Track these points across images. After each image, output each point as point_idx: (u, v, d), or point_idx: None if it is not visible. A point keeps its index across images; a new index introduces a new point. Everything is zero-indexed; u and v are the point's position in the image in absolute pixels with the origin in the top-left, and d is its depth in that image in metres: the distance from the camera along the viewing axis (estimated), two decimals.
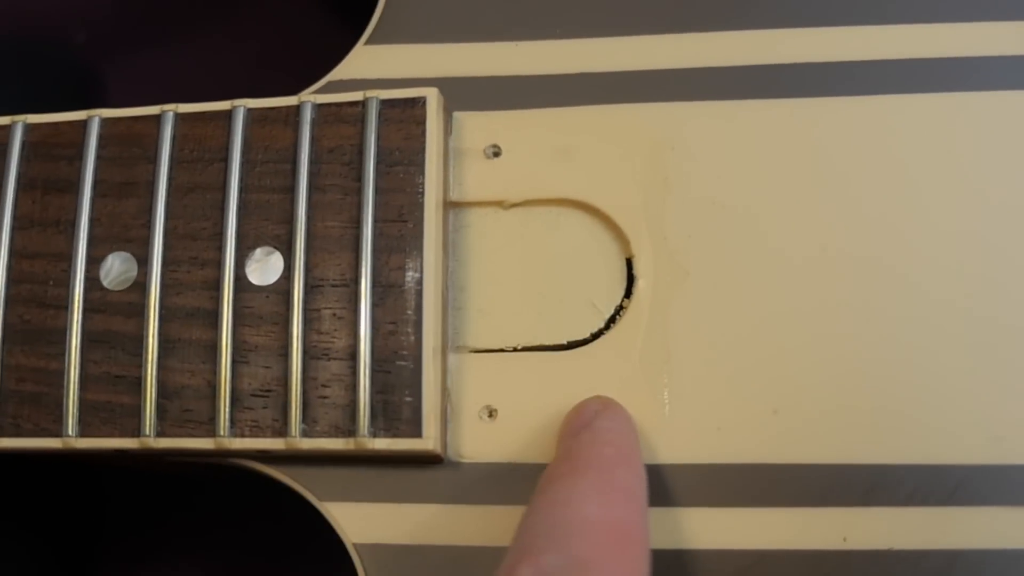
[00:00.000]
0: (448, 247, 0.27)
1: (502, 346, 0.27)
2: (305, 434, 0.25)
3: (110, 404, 0.26)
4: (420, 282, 0.26)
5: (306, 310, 0.26)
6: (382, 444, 0.25)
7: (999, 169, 0.26)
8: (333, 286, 0.26)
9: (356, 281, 0.26)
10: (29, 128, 0.28)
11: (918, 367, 0.26)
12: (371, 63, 0.29)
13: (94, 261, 0.26)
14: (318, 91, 0.28)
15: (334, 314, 0.26)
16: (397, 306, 0.26)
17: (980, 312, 0.26)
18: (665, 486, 0.26)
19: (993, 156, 0.26)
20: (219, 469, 0.28)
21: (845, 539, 0.25)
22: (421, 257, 0.26)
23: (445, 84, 0.28)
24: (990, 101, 0.27)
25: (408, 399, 0.25)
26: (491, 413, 0.27)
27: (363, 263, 0.26)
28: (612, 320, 0.27)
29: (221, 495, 0.37)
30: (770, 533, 0.25)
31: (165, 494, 0.37)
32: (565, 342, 0.27)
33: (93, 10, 0.42)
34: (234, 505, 0.38)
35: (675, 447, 0.26)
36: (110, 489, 0.37)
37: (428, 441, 0.25)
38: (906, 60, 0.27)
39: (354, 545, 0.26)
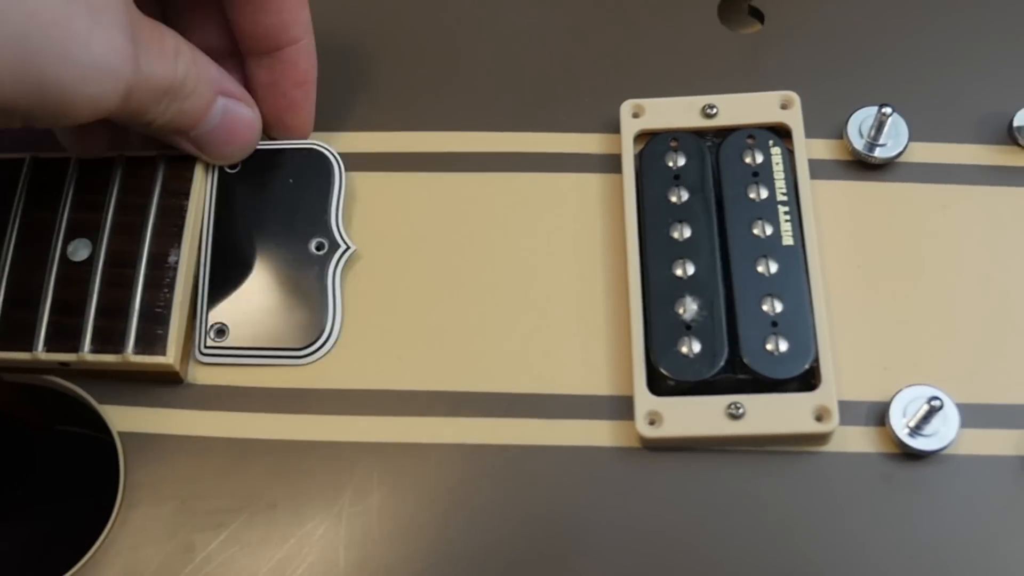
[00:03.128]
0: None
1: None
2: (91, 352, 0.39)
3: None
4: (177, 264, 0.40)
5: (103, 276, 0.40)
6: (138, 359, 0.39)
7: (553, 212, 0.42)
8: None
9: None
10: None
11: (492, 334, 0.40)
12: None
13: None
14: None
15: (119, 280, 0.40)
16: (161, 276, 0.40)
17: (539, 301, 0.40)
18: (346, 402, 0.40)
19: (549, 206, 0.42)
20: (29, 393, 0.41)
21: (441, 436, 0.39)
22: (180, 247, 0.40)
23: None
24: (553, 179, 0.43)
25: (159, 332, 0.39)
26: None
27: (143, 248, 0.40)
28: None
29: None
30: (397, 431, 0.39)
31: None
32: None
33: None
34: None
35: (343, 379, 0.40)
36: None
37: (169, 359, 0.39)
38: (513, 153, 0.43)
39: (118, 433, 0.39)
